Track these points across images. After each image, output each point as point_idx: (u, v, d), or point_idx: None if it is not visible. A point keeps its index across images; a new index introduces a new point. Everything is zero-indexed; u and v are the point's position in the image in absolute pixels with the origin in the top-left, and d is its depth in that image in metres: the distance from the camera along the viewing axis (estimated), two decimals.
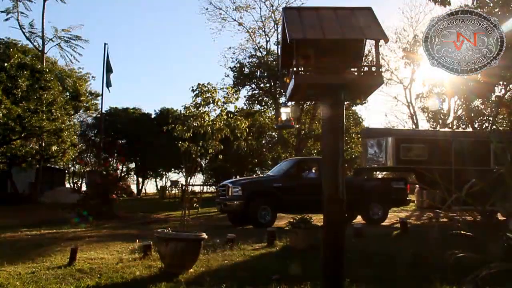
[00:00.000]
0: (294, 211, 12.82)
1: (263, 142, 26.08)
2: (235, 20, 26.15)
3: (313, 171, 12.04)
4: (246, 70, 25.69)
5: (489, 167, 12.37)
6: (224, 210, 11.61)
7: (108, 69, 18.72)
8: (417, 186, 14.65)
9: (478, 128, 18.99)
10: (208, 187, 28.76)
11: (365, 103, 23.94)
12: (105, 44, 19.60)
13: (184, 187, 6.15)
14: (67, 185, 29.46)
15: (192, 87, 6.21)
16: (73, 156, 22.98)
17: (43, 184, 23.03)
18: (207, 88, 6.20)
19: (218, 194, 12.16)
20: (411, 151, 12.64)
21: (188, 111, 6.26)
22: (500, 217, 7.36)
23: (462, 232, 3.13)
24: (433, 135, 13.79)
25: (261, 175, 14.39)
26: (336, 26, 3.65)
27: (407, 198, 12.48)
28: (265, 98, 26.79)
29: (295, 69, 3.62)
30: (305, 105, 23.74)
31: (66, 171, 32.74)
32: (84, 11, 51.98)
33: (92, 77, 28.44)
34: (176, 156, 10.51)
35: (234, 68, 25.88)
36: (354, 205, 11.68)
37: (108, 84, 19.52)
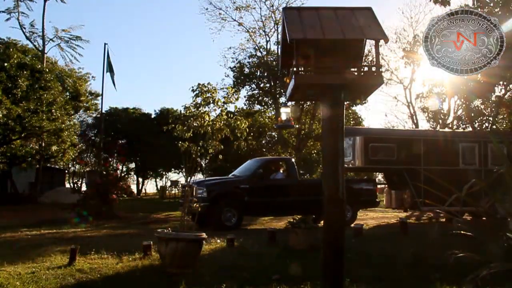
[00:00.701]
0: (261, 213, 12.32)
1: (263, 142, 26.09)
2: (235, 20, 26.17)
3: (281, 172, 11.75)
4: (246, 70, 25.70)
5: (457, 167, 12.33)
6: (188, 212, 11.08)
7: (110, 70, 18.72)
8: (386, 186, 14.28)
9: (478, 128, 18.99)
10: None
11: (365, 103, 23.96)
12: (105, 44, 19.61)
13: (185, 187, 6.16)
14: (67, 185, 29.46)
15: (192, 87, 6.22)
16: (73, 156, 22.99)
17: (43, 184, 23.04)
18: (207, 88, 6.21)
19: (182, 195, 11.61)
20: (380, 151, 12.30)
21: (188, 111, 6.26)
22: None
23: (462, 232, 3.13)
24: (402, 135, 13.43)
25: (227, 176, 14.07)
26: (336, 26, 3.65)
27: (376, 200, 12.33)
28: (265, 98, 26.79)
29: (295, 69, 3.62)
30: (305, 105, 23.74)
31: (66, 171, 32.74)
32: (84, 11, 52.03)
33: (92, 77, 28.47)
34: (176, 156, 10.53)
35: (234, 68, 25.89)
36: (322, 207, 11.52)
37: (114, 85, 19.52)
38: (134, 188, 35.12)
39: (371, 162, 12.18)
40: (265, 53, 25.81)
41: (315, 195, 9.94)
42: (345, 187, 12.39)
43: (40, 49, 23.16)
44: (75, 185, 20.23)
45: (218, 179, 13.00)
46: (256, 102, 26.90)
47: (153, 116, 34.48)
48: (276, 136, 26.85)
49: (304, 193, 11.01)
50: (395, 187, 12.90)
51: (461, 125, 20.45)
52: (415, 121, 21.81)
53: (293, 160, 12.27)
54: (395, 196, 12.79)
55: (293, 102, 16.22)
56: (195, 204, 6.03)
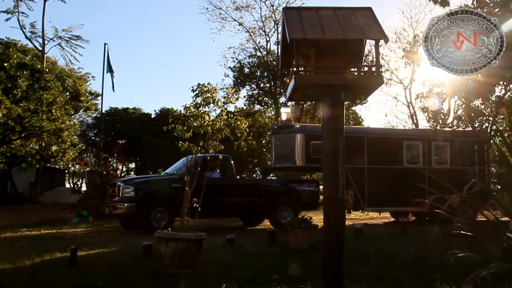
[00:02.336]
0: (194, 215, 11.64)
1: (263, 142, 26.10)
2: (235, 20, 26.21)
3: (217, 170, 10.96)
4: (246, 70, 25.73)
5: (401, 166, 12.11)
6: (114, 214, 10.30)
7: (110, 70, 18.73)
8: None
9: (478, 128, 19.00)
10: None
11: (365, 103, 23.99)
12: (105, 44, 19.62)
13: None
14: (67, 185, 29.47)
15: (192, 87, 6.22)
16: (73, 156, 22.99)
17: (43, 184, 23.05)
18: (207, 88, 6.21)
19: (109, 195, 10.90)
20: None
21: (188, 111, 6.26)
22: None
23: (462, 232, 3.13)
24: (346, 132, 12.94)
25: (158, 174, 13.32)
26: (336, 26, 3.65)
27: (319, 201, 11.71)
28: (265, 98, 26.81)
29: (295, 69, 3.62)
30: (305, 105, 23.75)
31: (66, 171, 32.75)
32: (84, 11, 52.02)
33: (92, 77, 28.48)
34: (176, 156, 10.45)
35: (234, 68, 25.92)
36: (261, 208, 10.93)
37: (113, 87, 19.57)
38: None
39: (313, 161, 11.41)
40: (265, 53, 25.84)
41: (254, 196, 9.50)
42: (285, 188, 11.55)
43: (40, 49, 23.17)
44: (75, 185, 20.20)
45: (147, 177, 12.32)
46: (256, 102, 26.94)
47: (153, 116, 34.47)
48: None
49: (242, 194, 10.55)
50: None
51: (461, 125, 20.44)
52: (415, 121, 21.82)
53: (230, 157, 11.35)
54: None
55: (293, 102, 16.21)
56: (195, 205, 5.99)
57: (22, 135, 18.21)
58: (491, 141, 13.24)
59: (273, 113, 26.62)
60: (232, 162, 11.19)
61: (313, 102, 18.88)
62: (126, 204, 9.82)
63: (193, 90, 6.21)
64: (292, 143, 11.75)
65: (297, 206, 11.14)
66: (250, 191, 10.93)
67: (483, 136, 14.03)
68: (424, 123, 28.81)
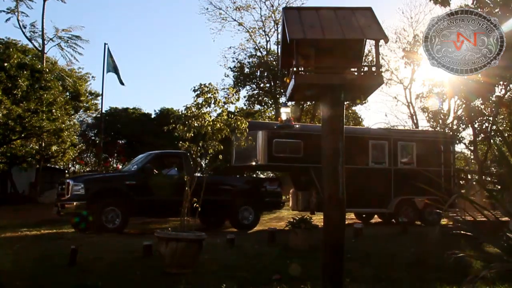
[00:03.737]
0: (150, 214, 10.69)
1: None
2: (235, 20, 26.19)
3: (175, 168, 10.53)
4: (246, 70, 25.72)
5: (367, 166, 11.79)
6: (62, 214, 9.66)
7: (115, 69, 18.73)
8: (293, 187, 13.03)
9: (478, 128, 18.97)
10: None
11: (365, 103, 23.97)
12: (105, 44, 19.65)
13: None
14: None
15: (194, 87, 6.22)
16: (73, 156, 22.98)
17: (43, 184, 23.03)
18: (208, 89, 6.21)
19: (57, 193, 10.23)
20: (285, 147, 11.09)
21: (189, 111, 6.26)
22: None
23: (462, 232, 3.13)
24: (309, 130, 12.06)
25: (112, 171, 12.88)
26: (336, 26, 3.65)
27: (281, 201, 11.48)
28: (265, 98, 26.80)
29: (295, 69, 3.62)
30: (305, 105, 23.75)
31: (66, 171, 32.74)
32: (84, 11, 51.99)
33: (92, 77, 28.46)
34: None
35: (234, 68, 25.91)
36: (222, 209, 10.47)
37: (121, 82, 19.52)
38: None
39: (275, 159, 11.04)
40: (265, 53, 25.83)
41: (212, 195, 8.25)
42: (247, 187, 11.10)
43: (40, 49, 23.17)
44: None
45: (99, 175, 11.80)
46: (256, 102, 26.91)
47: (153, 116, 34.44)
48: None
49: (198, 192, 10.10)
50: (302, 187, 11.95)
51: (461, 125, 20.43)
52: (415, 121, 21.80)
53: (188, 154, 10.88)
54: (302, 197, 11.77)
55: (293, 102, 16.15)
56: (195, 205, 5.99)
57: (22, 135, 18.21)
58: (456, 142, 13.53)
59: (273, 113, 26.60)
60: (190, 159, 10.37)
61: (313, 102, 18.88)
62: (75, 203, 9.20)
63: (194, 90, 6.22)
64: (253, 141, 10.78)
65: (259, 206, 10.72)
66: (208, 190, 10.23)
67: (448, 136, 13.80)
68: (424, 123, 28.83)
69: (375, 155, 12.10)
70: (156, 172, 10.22)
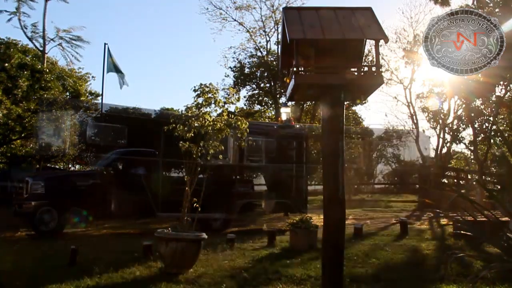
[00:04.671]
0: (114, 215, 9.94)
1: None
2: (235, 20, 26.22)
3: (142, 167, 10.05)
4: (247, 70, 25.74)
5: (204, 162, 10.45)
6: (19, 213, 9.14)
7: (116, 69, 18.71)
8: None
9: (478, 128, 18.92)
10: None
11: (365, 103, 23.99)
12: (105, 44, 19.63)
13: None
14: None
15: (194, 87, 6.23)
16: (73, 156, 22.96)
17: None
18: (209, 89, 6.21)
19: (15, 192, 9.84)
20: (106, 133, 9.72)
21: (190, 111, 6.26)
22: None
23: (462, 232, 3.13)
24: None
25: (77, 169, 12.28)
26: (336, 26, 3.65)
27: (255, 203, 10.41)
28: (265, 98, 26.82)
29: (295, 69, 3.62)
30: (305, 105, 23.75)
31: None
32: (85, 11, 51.97)
33: (92, 77, 28.45)
34: (176, 156, 10.28)
35: (235, 68, 25.93)
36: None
37: (124, 83, 19.47)
38: None
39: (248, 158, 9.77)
40: (265, 53, 25.85)
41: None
42: (216, 188, 9.33)
43: (40, 49, 23.17)
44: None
45: (61, 172, 11.19)
46: (256, 102, 26.94)
47: (153, 116, 34.41)
48: None
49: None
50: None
51: (461, 125, 20.39)
52: (415, 121, 21.77)
53: (156, 153, 10.23)
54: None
55: (293, 102, 16.05)
56: (195, 205, 5.98)
57: (22, 135, 18.21)
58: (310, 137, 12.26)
59: (273, 113, 26.62)
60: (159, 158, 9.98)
61: (313, 102, 18.88)
62: (33, 203, 8.70)
63: (195, 90, 6.22)
64: (225, 138, 9.99)
65: (230, 208, 9.83)
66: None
67: (301, 132, 12.27)
68: (424, 123, 28.79)
69: (251, 151, 10.73)
70: (123, 170, 9.82)
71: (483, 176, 16.35)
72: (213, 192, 9.22)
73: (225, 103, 6.35)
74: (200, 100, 6.21)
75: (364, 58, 3.98)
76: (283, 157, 11.15)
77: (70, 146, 8.45)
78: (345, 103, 3.98)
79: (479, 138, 19.32)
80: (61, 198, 8.80)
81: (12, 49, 18.46)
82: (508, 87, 16.53)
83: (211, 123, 6.15)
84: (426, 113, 20.86)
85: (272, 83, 25.12)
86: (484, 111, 18.53)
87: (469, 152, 23.41)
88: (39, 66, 19.31)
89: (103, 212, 9.30)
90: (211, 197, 9.02)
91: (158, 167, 9.71)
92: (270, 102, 26.61)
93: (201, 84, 6.23)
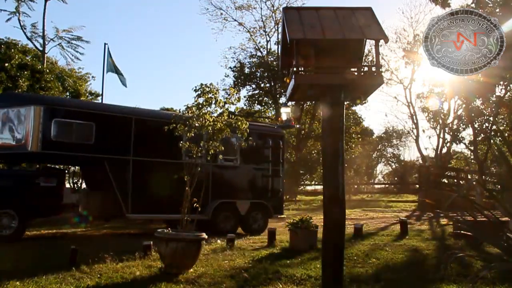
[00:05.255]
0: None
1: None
2: (235, 20, 26.25)
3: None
4: (247, 70, 25.75)
5: (180, 160, 8.95)
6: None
7: (116, 71, 18.71)
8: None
9: (478, 129, 18.96)
10: None
11: (365, 103, 23.98)
12: (105, 44, 19.64)
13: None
14: (67, 185, 29.38)
15: (195, 87, 6.23)
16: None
17: None
18: (209, 89, 6.22)
19: None
20: (71, 130, 8.49)
21: (190, 111, 6.27)
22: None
23: (462, 232, 3.14)
24: (107, 110, 9.38)
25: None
26: (336, 26, 3.65)
27: (62, 203, 8.76)
28: (265, 98, 26.83)
29: (295, 69, 3.62)
30: (305, 105, 23.76)
31: (66, 171, 32.71)
32: (85, 11, 52.00)
33: (92, 77, 28.44)
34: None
35: (235, 68, 25.94)
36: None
37: (124, 83, 19.41)
38: None
39: (55, 146, 8.28)
40: (265, 53, 25.86)
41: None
42: (11, 184, 8.29)
43: (40, 49, 23.18)
44: (75, 185, 20.19)
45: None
46: (256, 102, 26.95)
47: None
48: None
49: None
50: (96, 186, 9.71)
51: (461, 125, 20.42)
52: (415, 121, 21.80)
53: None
54: (93, 200, 9.43)
55: (293, 102, 16.00)
56: (195, 205, 5.98)
57: None
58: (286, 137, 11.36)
59: (273, 113, 26.62)
60: None
61: (313, 102, 18.89)
62: None
63: (195, 90, 6.23)
64: (21, 119, 8.30)
65: (25, 210, 8.05)
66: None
67: (278, 131, 11.63)
68: (424, 123, 28.80)
69: (190, 148, 9.93)
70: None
71: (483, 176, 16.37)
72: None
73: (225, 103, 6.35)
74: (200, 100, 6.22)
75: (364, 58, 3.98)
76: (259, 157, 10.70)
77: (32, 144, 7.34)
78: (345, 103, 3.99)
79: (479, 138, 19.35)
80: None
81: (12, 49, 18.47)
82: (508, 87, 16.55)
83: (211, 123, 6.15)
84: (426, 113, 20.92)
85: (272, 83, 25.13)
86: (484, 111, 18.56)
87: (469, 152, 23.46)
88: (39, 66, 19.32)
89: (40, 213, 8.58)
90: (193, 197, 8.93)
91: (128, 165, 8.93)
92: (270, 102, 26.62)
93: (201, 84, 6.24)
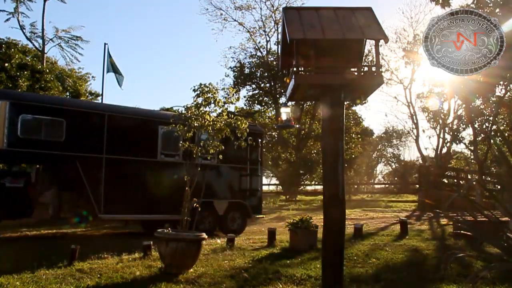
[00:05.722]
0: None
1: (263, 142, 26.07)
2: (235, 20, 26.26)
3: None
4: (247, 70, 25.76)
5: (155, 159, 9.18)
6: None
7: (116, 71, 18.71)
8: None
9: (478, 129, 18.95)
10: None
11: (365, 103, 23.98)
12: (105, 44, 19.63)
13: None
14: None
15: (194, 86, 6.24)
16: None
17: (43, 184, 22.99)
18: (208, 88, 6.22)
19: None
20: (39, 127, 8.11)
21: (189, 111, 6.27)
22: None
23: (462, 232, 3.13)
24: (78, 106, 9.20)
25: None
26: (336, 26, 3.65)
27: (31, 204, 8.70)
28: (265, 98, 26.84)
29: (295, 69, 3.62)
30: (305, 105, 23.76)
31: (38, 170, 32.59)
32: (84, 11, 52.00)
33: (92, 77, 28.44)
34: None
35: (235, 68, 25.95)
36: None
37: (120, 83, 19.39)
38: None
39: (23, 143, 7.91)
40: (265, 53, 25.87)
41: None
42: None
43: (40, 49, 23.17)
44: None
45: None
46: (256, 102, 26.96)
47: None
48: (276, 136, 26.89)
49: None
50: (66, 186, 9.24)
51: (461, 125, 20.42)
52: (415, 121, 21.79)
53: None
54: (65, 200, 9.08)
55: (293, 102, 15.98)
56: (195, 205, 5.98)
57: None
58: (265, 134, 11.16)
59: (273, 113, 26.63)
60: None
61: (313, 102, 18.88)
62: None
63: (194, 90, 6.23)
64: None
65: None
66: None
67: (257, 129, 11.28)
68: (424, 123, 28.80)
69: (166, 146, 9.37)
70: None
71: (483, 176, 16.36)
72: (163, 193, 8.80)
73: (225, 103, 6.35)
74: (199, 100, 6.21)
75: (364, 58, 3.98)
76: (238, 156, 10.27)
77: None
78: (345, 103, 3.99)
79: (479, 138, 19.35)
80: None
81: (12, 49, 18.46)
82: (508, 87, 16.55)
83: (211, 123, 6.15)
84: (426, 113, 20.91)
85: (272, 83, 25.14)
86: (484, 111, 18.56)
87: (469, 152, 23.45)
88: (39, 66, 19.31)
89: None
90: (159, 198, 8.87)
91: (101, 164, 8.54)
92: (270, 102, 26.63)
93: (200, 84, 6.24)
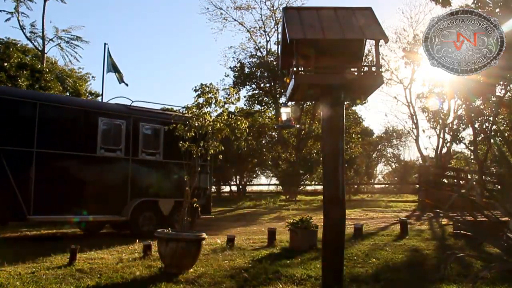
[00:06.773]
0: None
1: (263, 142, 26.12)
2: (235, 20, 26.30)
3: None
4: (247, 70, 25.77)
5: (94, 154, 8.42)
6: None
7: (116, 70, 18.70)
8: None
9: (478, 129, 18.93)
10: None
11: (365, 103, 23.98)
12: (105, 44, 19.63)
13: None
14: None
15: (195, 86, 6.24)
16: None
17: None
18: (209, 89, 6.22)
19: None
20: None
21: (190, 111, 6.27)
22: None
23: (462, 232, 3.14)
24: (4, 93, 8.22)
25: None
26: (336, 26, 3.66)
27: None
28: (265, 98, 26.85)
29: (295, 69, 3.63)
30: (305, 105, 23.76)
31: None
32: (84, 11, 51.99)
33: (92, 77, 28.45)
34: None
35: (235, 68, 25.96)
36: None
37: (120, 81, 19.31)
38: None
39: None
40: (265, 53, 25.88)
41: None
42: None
43: (40, 49, 23.17)
44: None
45: None
46: (256, 102, 26.97)
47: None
48: (276, 136, 26.90)
49: None
50: None
51: (461, 125, 20.40)
52: (415, 121, 21.79)
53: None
54: None
55: (293, 102, 15.99)
56: (195, 205, 5.99)
57: None
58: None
59: (273, 113, 26.63)
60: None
61: (313, 102, 18.88)
62: None
63: (195, 90, 6.24)
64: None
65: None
66: None
67: None
68: (424, 123, 28.80)
69: (106, 140, 8.70)
70: None
71: (483, 176, 16.36)
72: (103, 191, 8.34)
73: (225, 103, 6.36)
74: (200, 100, 6.22)
75: (364, 58, 3.99)
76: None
77: None
78: (345, 103, 3.99)
79: (479, 138, 19.34)
80: None
81: (11, 49, 18.46)
82: (508, 87, 16.54)
83: (211, 123, 6.15)
84: (426, 113, 20.90)
85: (272, 83, 25.14)
86: (484, 111, 18.55)
87: (469, 152, 23.43)
88: (39, 66, 19.31)
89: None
90: (99, 197, 8.33)
91: (31, 159, 7.71)
92: (270, 102, 26.63)
93: (201, 84, 6.25)
